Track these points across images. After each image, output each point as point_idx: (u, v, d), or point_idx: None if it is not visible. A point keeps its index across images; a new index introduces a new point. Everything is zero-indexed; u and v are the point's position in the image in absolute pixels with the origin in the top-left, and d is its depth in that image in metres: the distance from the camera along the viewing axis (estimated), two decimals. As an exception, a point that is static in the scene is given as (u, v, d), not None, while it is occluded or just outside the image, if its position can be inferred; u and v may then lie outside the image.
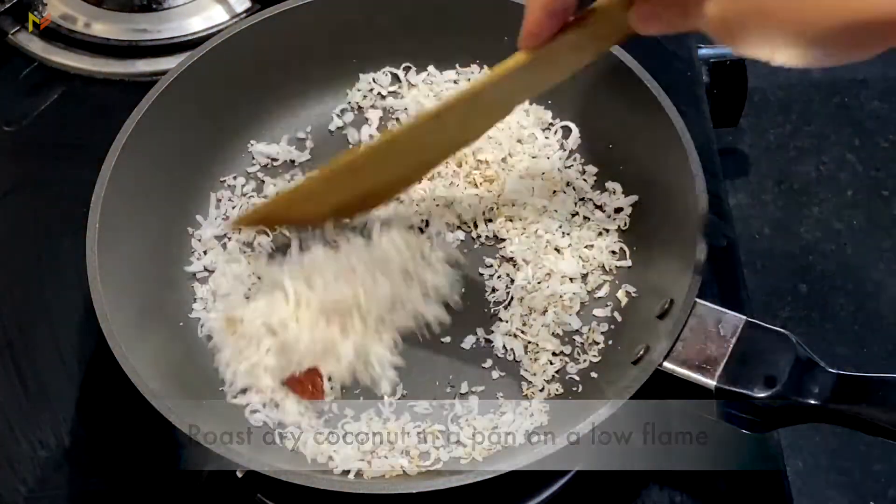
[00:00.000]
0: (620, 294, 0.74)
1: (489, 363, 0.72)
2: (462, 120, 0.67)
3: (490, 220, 0.78)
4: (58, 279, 0.80)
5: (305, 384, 0.69)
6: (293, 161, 0.82)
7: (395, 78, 0.85)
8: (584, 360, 0.72)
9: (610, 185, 0.79)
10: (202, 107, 0.78)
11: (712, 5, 0.48)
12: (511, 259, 0.76)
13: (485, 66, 0.83)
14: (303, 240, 0.74)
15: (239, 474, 0.63)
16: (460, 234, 0.78)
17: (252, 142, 0.83)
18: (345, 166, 0.69)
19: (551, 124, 0.82)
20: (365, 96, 0.85)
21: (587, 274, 0.76)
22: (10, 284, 0.81)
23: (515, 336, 0.73)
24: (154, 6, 0.96)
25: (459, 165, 0.79)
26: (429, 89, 0.84)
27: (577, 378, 0.71)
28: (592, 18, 0.58)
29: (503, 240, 0.77)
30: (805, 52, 0.46)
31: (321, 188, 0.71)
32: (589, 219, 0.78)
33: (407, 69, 0.85)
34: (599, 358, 0.72)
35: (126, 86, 0.91)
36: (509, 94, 0.66)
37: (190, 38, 0.93)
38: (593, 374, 0.71)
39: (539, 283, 0.74)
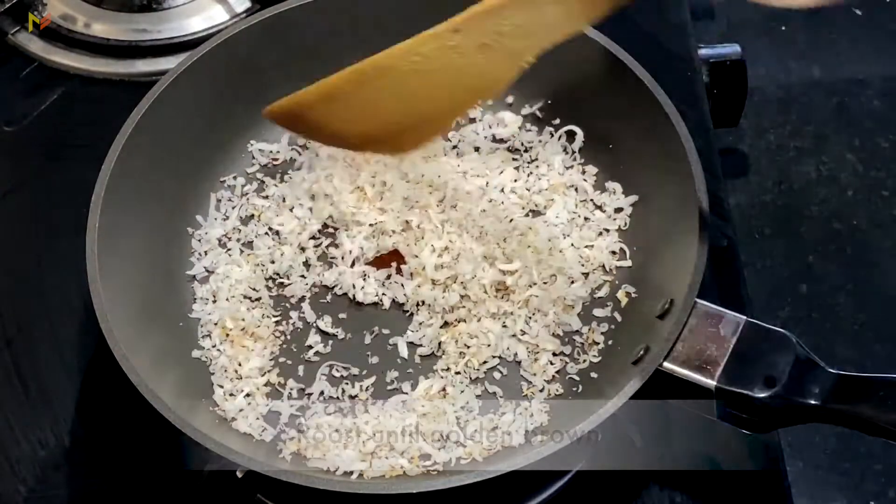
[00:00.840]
0: (620, 294, 0.74)
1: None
2: (480, 47, 0.67)
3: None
4: (58, 279, 0.80)
5: (388, 261, 0.75)
6: (293, 161, 0.82)
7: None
8: (584, 360, 0.72)
9: (610, 184, 0.79)
10: (202, 107, 0.78)
11: None
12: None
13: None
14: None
15: (239, 474, 0.63)
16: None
17: (252, 142, 0.83)
18: (369, 66, 0.69)
19: (555, 128, 0.82)
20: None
21: (587, 273, 0.76)
22: (10, 284, 0.81)
23: (516, 336, 0.73)
24: (154, 6, 0.96)
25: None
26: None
27: (577, 378, 0.71)
28: None
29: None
30: None
31: (350, 89, 0.71)
32: (589, 219, 0.78)
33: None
34: (599, 358, 0.72)
35: (126, 86, 0.91)
36: (524, 27, 0.66)
37: (190, 38, 0.93)
38: (593, 374, 0.71)
39: (545, 283, 0.74)
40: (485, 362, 0.72)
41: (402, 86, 0.70)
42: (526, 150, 0.82)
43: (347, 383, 0.71)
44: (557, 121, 0.82)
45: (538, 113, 0.83)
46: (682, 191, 0.71)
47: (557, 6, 0.65)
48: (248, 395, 0.70)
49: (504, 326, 0.73)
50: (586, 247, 0.76)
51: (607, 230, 0.77)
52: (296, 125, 0.76)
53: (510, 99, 0.84)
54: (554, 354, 0.72)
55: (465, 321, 0.73)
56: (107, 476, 0.72)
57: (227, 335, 0.73)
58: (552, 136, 0.82)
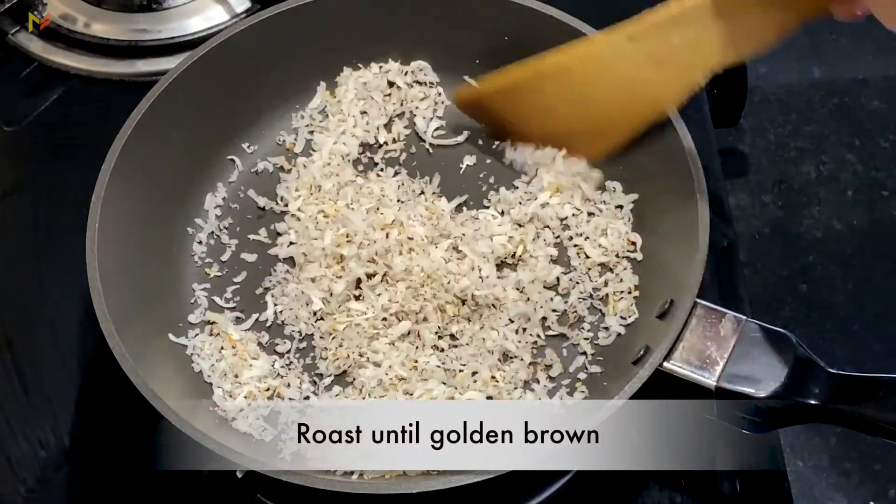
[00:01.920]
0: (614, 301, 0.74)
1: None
2: (653, 59, 0.69)
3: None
4: (58, 279, 0.80)
5: None
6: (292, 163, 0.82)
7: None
8: (585, 361, 0.72)
9: (610, 184, 0.79)
10: (202, 107, 0.78)
11: None
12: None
13: (487, 68, 0.83)
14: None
15: (239, 474, 0.63)
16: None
17: (252, 142, 0.83)
18: (548, 65, 0.73)
19: None
20: (365, 96, 0.85)
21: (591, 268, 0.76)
22: (10, 284, 0.81)
23: (517, 333, 0.73)
24: (154, 6, 0.95)
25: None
26: (430, 89, 0.84)
27: (577, 378, 0.71)
28: None
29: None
30: None
31: (528, 84, 0.74)
32: (594, 214, 0.78)
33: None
34: (600, 358, 0.72)
35: (126, 86, 0.91)
36: (696, 42, 0.67)
37: (190, 38, 0.93)
38: (594, 374, 0.71)
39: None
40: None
41: (577, 90, 0.73)
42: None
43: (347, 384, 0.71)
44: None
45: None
46: (682, 191, 0.71)
47: (729, 23, 0.65)
48: (248, 395, 0.70)
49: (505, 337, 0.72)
50: (601, 235, 0.77)
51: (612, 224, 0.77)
52: (479, 113, 0.80)
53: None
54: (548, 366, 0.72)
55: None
56: (107, 476, 0.72)
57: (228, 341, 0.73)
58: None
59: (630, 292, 0.73)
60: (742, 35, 0.66)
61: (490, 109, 0.78)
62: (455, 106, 0.82)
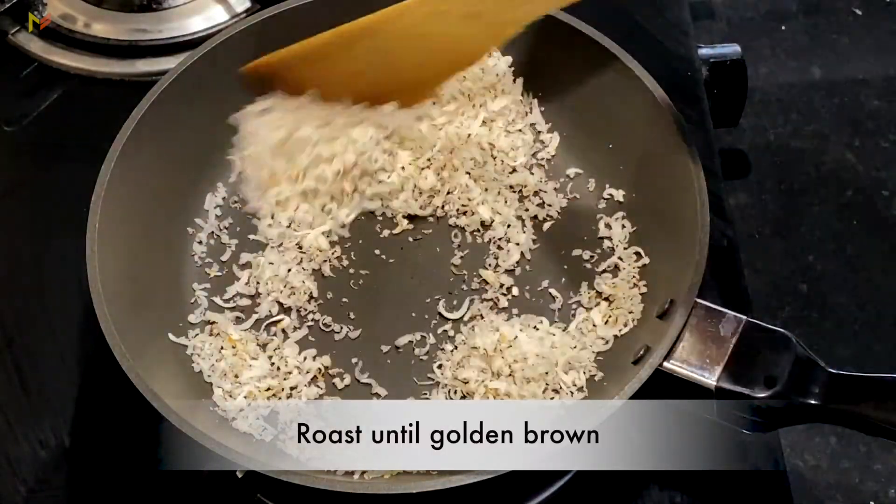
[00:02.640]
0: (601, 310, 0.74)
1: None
2: (466, 16, 0.68)
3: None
4: (58, 279, 0.80)
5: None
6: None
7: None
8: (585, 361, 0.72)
9: (610, 184, 0.79)
10: (202, 107, 0.78)
11: None
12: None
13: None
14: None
15: (239, 474, 0.63)
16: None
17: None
18: (357, 27, 0.70)
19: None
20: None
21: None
22: (11, 284, 0.81)
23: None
24: (154, 6, 0.96)
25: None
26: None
27: (577, 378, 0.71)
28: None
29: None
30: None
31: (335, 50, 0.72)
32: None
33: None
34: (600, 358, 0.72)
35: (126, 86, 0.91)
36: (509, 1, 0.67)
37: (190, 38, 0.93)
38: (594, 374, 0.71)
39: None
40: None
41: (387, 50, 0.70)
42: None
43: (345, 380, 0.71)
44: (557, 122, 0.82)
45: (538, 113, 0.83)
46: (682, 191, 0.71)
47: None
48: (248, 395, 0.70)
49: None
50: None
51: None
52: (273, 84, 0.75)
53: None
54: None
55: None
56: (107, 476, 0.72)
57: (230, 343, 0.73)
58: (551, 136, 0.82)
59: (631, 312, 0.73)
60: None
61: (288, 79, 0.74)
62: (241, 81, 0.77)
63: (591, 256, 0.76)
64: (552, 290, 0.75)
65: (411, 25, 0.70)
